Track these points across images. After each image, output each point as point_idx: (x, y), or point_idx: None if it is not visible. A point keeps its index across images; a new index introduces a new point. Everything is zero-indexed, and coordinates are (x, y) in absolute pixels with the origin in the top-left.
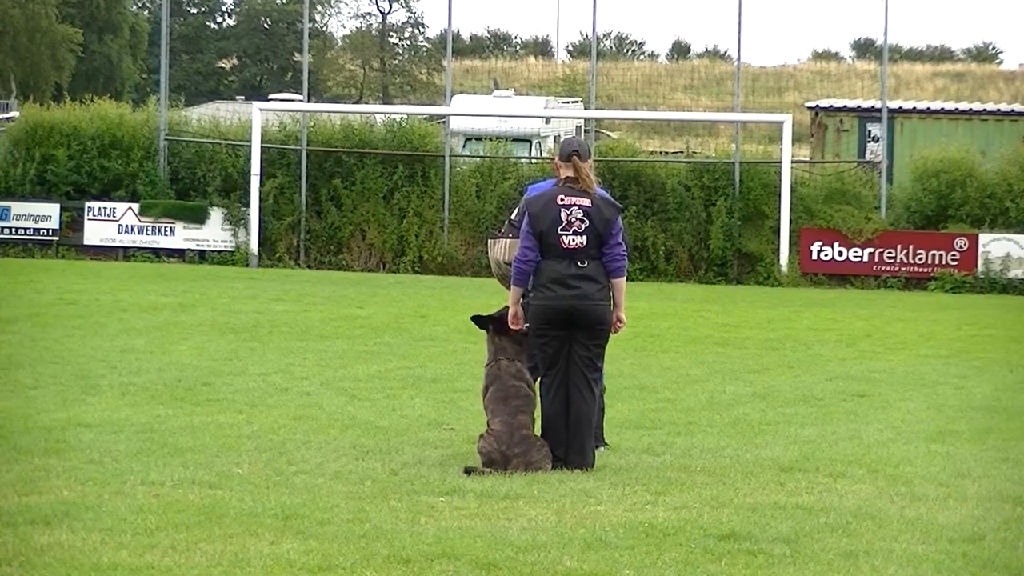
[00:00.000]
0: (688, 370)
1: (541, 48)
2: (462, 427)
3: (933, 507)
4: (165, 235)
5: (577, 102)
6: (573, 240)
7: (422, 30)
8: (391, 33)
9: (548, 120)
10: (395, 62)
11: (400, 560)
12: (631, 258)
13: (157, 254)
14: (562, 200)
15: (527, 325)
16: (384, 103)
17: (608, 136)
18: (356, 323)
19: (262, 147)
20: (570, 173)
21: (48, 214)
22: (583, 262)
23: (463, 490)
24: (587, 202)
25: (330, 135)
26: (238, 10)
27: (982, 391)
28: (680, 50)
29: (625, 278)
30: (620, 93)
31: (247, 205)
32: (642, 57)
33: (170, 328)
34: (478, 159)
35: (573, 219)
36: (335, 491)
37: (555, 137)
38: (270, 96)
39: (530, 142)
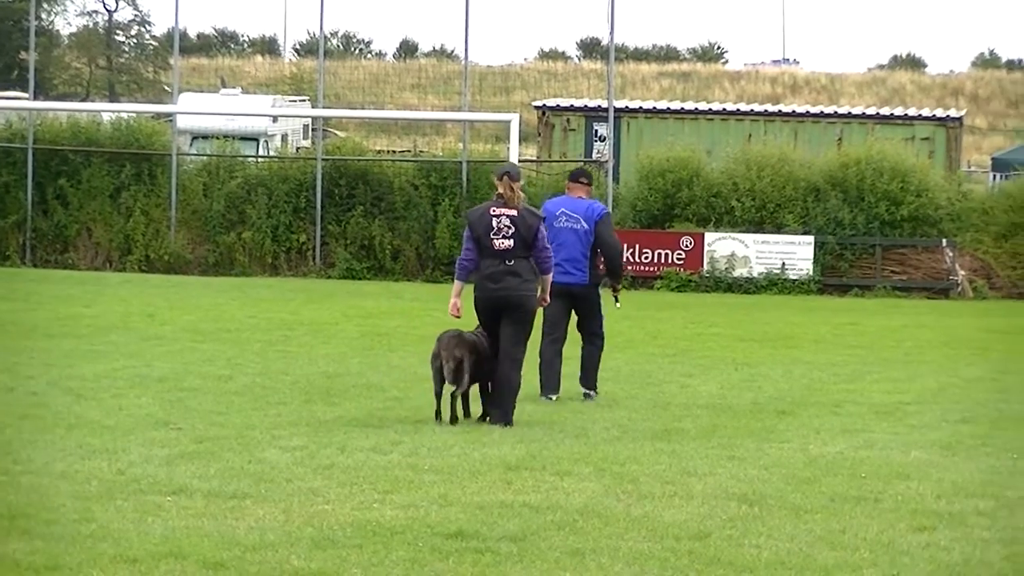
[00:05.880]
0: (416, 369)
1: (268, 46)
2: (188, 426)
3: (659, 505)
4: None
5: (305, 100)
6: (503, 243)
7: (148, 28)
8: (118, 31)
9: (275, 119)
10: (122, 60)
11: (127, 560)
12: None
13: None
14: (494, 212)
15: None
16: (111, 101)
17: (335, 135)
18: (83, 322)
19: None
20: (502, 191)
21: None
22: (510, 261)
23: (190, 489)
24: (514, 212)
25: (57, 133)
26: None
27: (707, 389)
28: (407, 49)
29: (552, 274)
30: (347, 92)
31: None
32: (369, 56)
33: None
34: (205, 158)
35: (502, 226)
36: (61, 491)
37: (283, 136)
38: None
39: (257, 140)
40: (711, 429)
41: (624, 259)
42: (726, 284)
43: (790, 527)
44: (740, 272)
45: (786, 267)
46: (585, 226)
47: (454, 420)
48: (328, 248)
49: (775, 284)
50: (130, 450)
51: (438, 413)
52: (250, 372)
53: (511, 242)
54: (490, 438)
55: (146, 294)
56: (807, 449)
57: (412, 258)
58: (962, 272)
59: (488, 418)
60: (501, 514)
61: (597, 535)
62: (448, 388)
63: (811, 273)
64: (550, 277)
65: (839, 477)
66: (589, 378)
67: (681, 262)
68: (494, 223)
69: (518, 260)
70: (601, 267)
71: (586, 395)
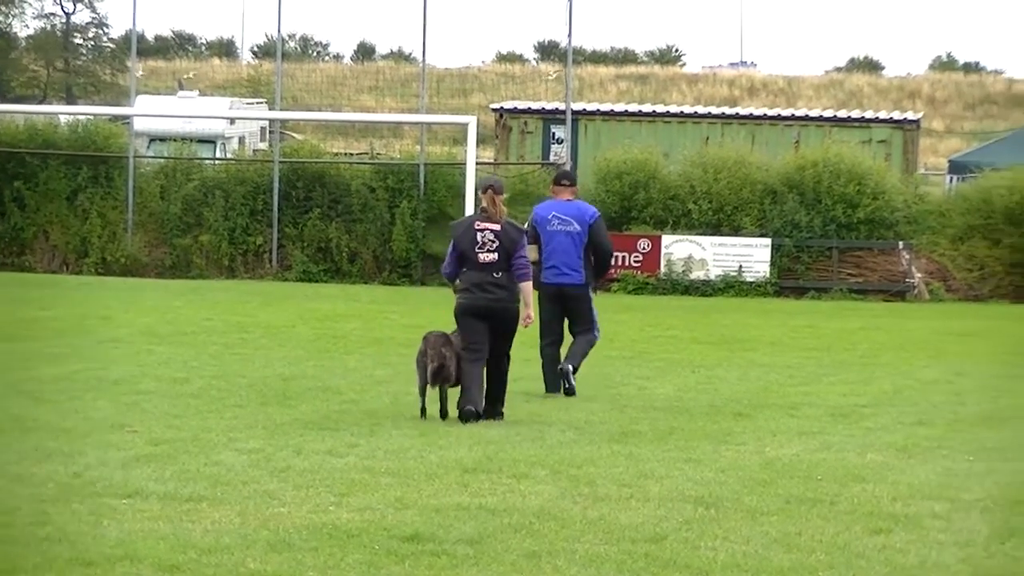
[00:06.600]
0: (372, 371)
1: (226, 49)
2: (145, 429)
3: (615, 507)
4: None
5: (262, 103)
6: (487, 256)
7: (106, 30)
8: (75, 33)
9: (233, 121)
10: (79, 62)
11: (82, 563)
12: (608, 265)
13: None
14: (478, 226)
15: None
16: (68, 104)
17: (293, 137)
18: (39, 325)
19: None
20: (485, 204)
21: None
22: (497, 273)
23: (146, 492)
24: (497, 227)
25: (13, 136)
26: None
27: (664, 392)
28: (365, 51)
29: (531, 283)
30: (305, 94)
31: None
32: (327, 58)
33: None
34: (162, 160)
35: (486, 240)
36: (16, 494)
37: (240, 138)
38: None
39: (215, 143)
40: (668, 431)
41: (612, 260)
42: (683, 286)
43: (746, 529)
44: (697, 274)
45: (743, 269)
46: (578, 228)
47: (444, 415)
48: (285, 251)
49: (732, 286)
50: (86, 453)
51: (423, 410)
52: (206, 375)
53: (495, 255)
54: (447, 441)
55: (103, 297)
56: (763, 451)
57: (369, 260)
58: (918, 274)
59: (486, 415)
60: (457, 517)
61: (553, 537)
62: (432, 388)
63: (768, 275)
64: (529, 286)
65: (795, 479)
66: (575, 359)
67: (638, 264)
68: (478, 237)
69: (502, 273)
70: None
71: (563, 371)
